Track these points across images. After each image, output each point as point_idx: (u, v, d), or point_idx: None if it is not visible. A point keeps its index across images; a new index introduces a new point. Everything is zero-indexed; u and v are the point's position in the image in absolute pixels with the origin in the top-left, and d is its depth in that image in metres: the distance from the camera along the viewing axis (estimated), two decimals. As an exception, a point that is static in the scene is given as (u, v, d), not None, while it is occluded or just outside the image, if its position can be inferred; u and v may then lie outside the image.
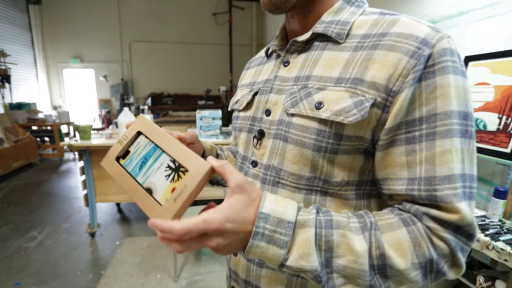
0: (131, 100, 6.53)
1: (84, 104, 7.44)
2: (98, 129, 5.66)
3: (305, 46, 0.47)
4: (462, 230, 0.34)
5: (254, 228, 0.33)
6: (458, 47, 0.37)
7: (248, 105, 0.54)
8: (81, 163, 2.39)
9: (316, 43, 0.46)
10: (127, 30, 7.14)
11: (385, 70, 0.36)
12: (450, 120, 0.35)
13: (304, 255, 0.34)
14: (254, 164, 0.49)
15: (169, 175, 0.38)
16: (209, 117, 2.25)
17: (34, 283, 1.94)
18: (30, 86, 6.49)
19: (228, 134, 2.46)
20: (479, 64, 1.62)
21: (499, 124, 1.48)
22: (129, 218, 2.98)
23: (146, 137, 0.42)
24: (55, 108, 6.98)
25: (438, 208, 0.35)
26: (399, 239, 0.35)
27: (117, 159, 0.43)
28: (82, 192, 3.66)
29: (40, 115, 5.60)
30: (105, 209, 3.16)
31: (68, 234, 2.61)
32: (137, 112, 2.14)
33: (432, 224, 0.35)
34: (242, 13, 7.43)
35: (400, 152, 0.37)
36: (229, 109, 0.64)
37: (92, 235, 2.56)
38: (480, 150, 1.51)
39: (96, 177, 2.47)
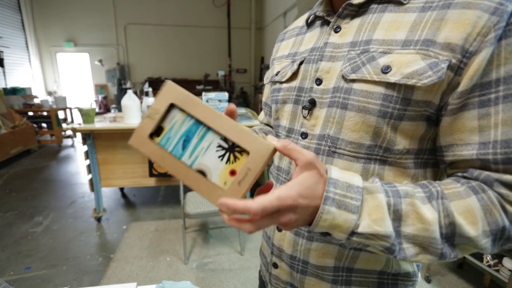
0: (128, 85, 6.41)
1: (79, 90, 7.28)
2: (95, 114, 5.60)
3: (359, 10, 0.44)
4: None
5: (325, 193, 0.33)
6: None
7: (293, 76, 0.51)
8: (85, 148, 2.36)
9: (374, 6, 0.43)
10: (122, 12, 6.91)
11: (462, 30, 0.34)
12: None
13: (378, 219, 0.33)
14: (304, 135, 0.48)
15: (222, 156, 0.35)
16: (215, 99, 2.21)
17: (44, 267, 1.94)
18: (24, 71, 6.30)
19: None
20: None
21: None
22: (134, 203, 2.98)
23: (183, 110, 0.36)
24: (49, 93, 6.82)
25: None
26: (469, 207, 0.34)
27: (150, 136, 0.36)
28: (84, 178, 3.66)
29: (36, 101, 5.47)
30: (108, 194, 3.15)
31: (73, 219, 2.60)
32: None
33: (504, 191, 0.34)
34: (241, -6, 7.24)
35: (472, 116, 0.36)
36: (265, 82, 0.61)
37: (98, 219, 2.56)
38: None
39: (101, 162, 2.44)
